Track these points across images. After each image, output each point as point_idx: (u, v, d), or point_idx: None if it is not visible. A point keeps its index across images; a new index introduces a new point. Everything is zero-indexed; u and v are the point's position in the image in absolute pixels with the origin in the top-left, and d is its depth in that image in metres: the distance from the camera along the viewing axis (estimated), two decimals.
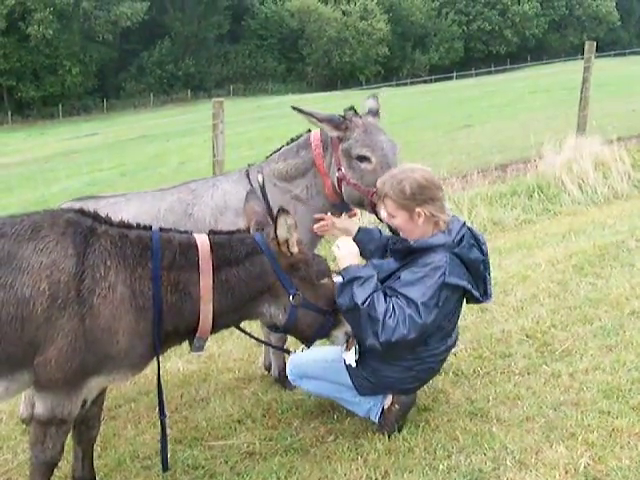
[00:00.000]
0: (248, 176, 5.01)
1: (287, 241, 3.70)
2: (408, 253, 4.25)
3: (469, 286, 4.19)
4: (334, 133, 4.69)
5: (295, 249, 3.74)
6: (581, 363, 5.07)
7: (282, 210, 3.68)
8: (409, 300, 4.02)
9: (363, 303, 3.95)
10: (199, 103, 58.08)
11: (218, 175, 5.44)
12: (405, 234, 4.29)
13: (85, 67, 69.84)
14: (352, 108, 4.83)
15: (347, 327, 3.98)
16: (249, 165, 5.17)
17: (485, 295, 4.37)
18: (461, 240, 4.21)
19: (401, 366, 4.32)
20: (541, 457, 4.02)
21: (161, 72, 75.81)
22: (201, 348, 3.75)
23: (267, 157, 5.17)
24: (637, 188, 10.85)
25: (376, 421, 4.50)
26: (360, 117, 4.75)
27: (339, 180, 4.72)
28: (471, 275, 4.24)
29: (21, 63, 66.57)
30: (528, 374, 5.02)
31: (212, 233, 3.80)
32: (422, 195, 4.17)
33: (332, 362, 4.48)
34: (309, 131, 5.01)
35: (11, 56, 65.87)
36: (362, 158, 4.58)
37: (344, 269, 4.12)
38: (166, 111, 56.54)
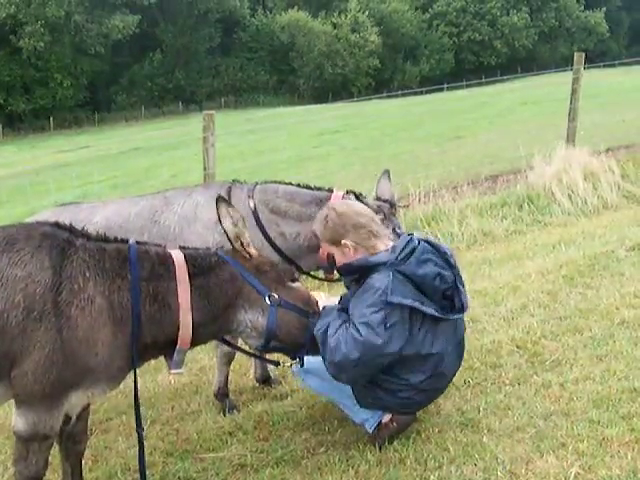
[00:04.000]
0: (229, 192, 5.00)
1: (239, 237, 3.71)
2: (355, 275, 4.23)
3: (415, 304, 4.01)
4: None
5: (252, 250, 3.78)
6: (571, 373, 5.08)
7: (221, 199, 3.68)
8: (351, 321, 4.02)
9: (318, 330, 3.97)
10: (190, 116, 58.13)
11: (198, 185, 5.44)
12: None
13: (76, 80, 69.77)
14: (387, 201, 4.98)
15: None
16: (233, 181, 5.16)
17: (462, 308, 4.24)
18: (408, 256, 4.09)
19: (400, 397, 4.28)
20: (531, 467, 4.03)
21: (152, 85, 75.85)
22: (180, 364, 3.73)
23: (265, 182, 5.17)
24: (626, 198, 10.88)
25: (370, 431, 4.49)
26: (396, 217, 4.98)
27: None
28: (423, 292, 4.09)
29: (12, 76, 66.47)
30: (518, 384, 5.02)
31: (182, 247, 3.82)
32: (343, 226, 4.22)
33: None
34: (330, 190, 5.02)
35: (2, 69, 65.80)
36: None
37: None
38: (157, 124, 56.58)
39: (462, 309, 4.25)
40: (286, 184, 5.13)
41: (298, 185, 5.11)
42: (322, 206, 4.81)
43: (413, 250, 4.12)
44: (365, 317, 3.95)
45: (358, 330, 3.94)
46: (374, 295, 3.98)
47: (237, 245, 3.73)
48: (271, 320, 3.77)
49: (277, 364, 4.32)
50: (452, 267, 4.23)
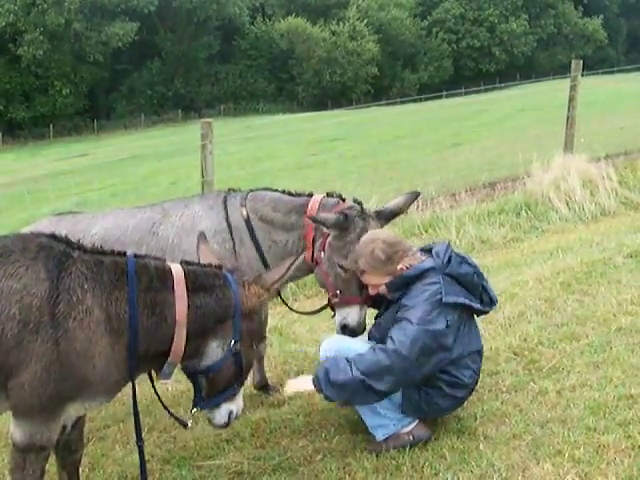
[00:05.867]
0: (225, 202, 4.99)
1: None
2: (405, 283, 4.40)
3: (467, 301, 4.35)
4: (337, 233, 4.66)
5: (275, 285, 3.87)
6: (568, 380, 5.09)
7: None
8: (410, 321, 4.19)
9: (358, 370, 4.09)
10: (190, 123, 58.02)
11: (195, 196, 5.44)
12: None
13: (76, 87, 69.74)
14: (360, 203, 4.84)
15: (237, 407, 3.88)
16: (229, 190, 5.17)
17: (491, 302, 4.59)
18: (449, 260, 4.40)
19: (454, 397, 4.44)
20: (528, 474, 4.04)
21: (151, 92, 75.79)
22: (169, 375, 3.73)
23: (256, 189, 5.15)
24: (624, 205, 10.89)
25: (379, 439, 4.49)
26: (364, 220, 4.68)
27: (317, 259, 4.80)
28: (467, 290, 4.41)
29: (11, 84, 66.55)
30: (515, 391, 5.03)
31: (184, 262, 3.80)
32: (396, 253, 4.40)
33: None
34: (310, 195, 4.99)
35: (1, 77, 65.88)
36: (341, 266, 4.63)
37: (313, 381, 4.24)
38: (157, 131, 56.62)
39: (491, 302, 4.61)
40: (273, 191, 5.11)
41: (283, 192, 5.09)
42: (301, 214, 4.85)
43: (451, 254, 4.46)
44: (424, 315, 4.19)
45: (419, 324, 4.16)
46: (430, 299, 4.25)
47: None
48: (221, 362, 3.71)
49: (185, 425, 4.04)
50: (475, 267, 4.56)
